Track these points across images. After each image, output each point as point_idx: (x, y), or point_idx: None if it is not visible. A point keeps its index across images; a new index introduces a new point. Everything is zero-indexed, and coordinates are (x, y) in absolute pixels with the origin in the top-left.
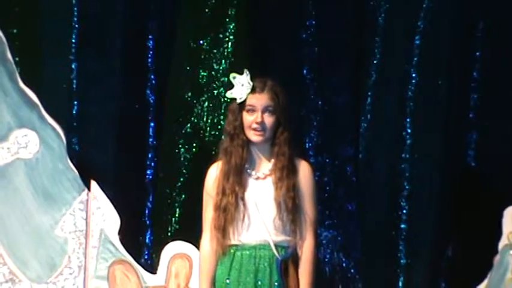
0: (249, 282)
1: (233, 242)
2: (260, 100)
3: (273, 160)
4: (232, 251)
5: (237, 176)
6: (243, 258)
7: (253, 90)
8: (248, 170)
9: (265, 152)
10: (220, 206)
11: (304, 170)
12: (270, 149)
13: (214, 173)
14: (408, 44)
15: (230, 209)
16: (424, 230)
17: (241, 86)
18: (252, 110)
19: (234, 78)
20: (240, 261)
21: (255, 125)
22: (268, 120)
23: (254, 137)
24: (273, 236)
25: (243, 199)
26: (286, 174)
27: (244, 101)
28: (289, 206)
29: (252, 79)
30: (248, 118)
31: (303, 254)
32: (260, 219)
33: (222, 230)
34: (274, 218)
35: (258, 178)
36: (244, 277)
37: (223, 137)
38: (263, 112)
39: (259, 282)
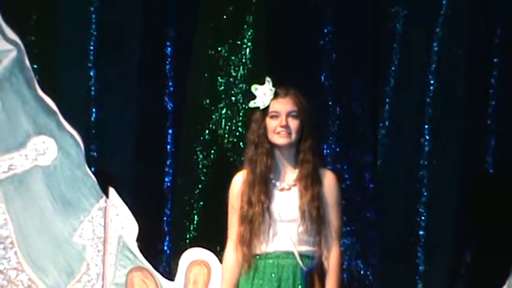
0: None
1: (257, 252)
2: (284, 105)
3: (297, 169)
4: (255, 260)
5: (263, 185)
6: (266, 267)
7: (276, 96)
8: (273, 181)
9: (289, 160)
10: (246, 218)
11: (329, 180)
12: (294, 157)
13: (239, 182)
14: (426, 50)
15: (257, 219)
16: (442, 236)
17: (263, 95)
18: (276, 116)
19: (256, 89)
20: (263, 270)
21: (279, 129)
22: (293, 123)
23: (280, 139)
24: (297, 246)
25: (268, 209)
26: (311, 183)
27: (268, 107)
28: (313, 215)
29: (274, 86)
30: (272, 123)
31: (330, 265)
32: (284, 229)
33: (248, 243)
34: (298, 227)
35: (282, 189)
36: (267, 286)
37: (243, 145)
38: (287, 116)
39: None
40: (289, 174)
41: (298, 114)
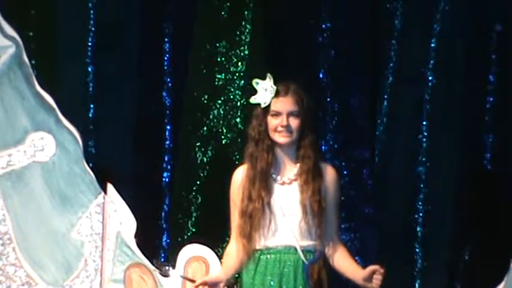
0: (273, 286)
1: (258, 247)
2: (285, 104)
3: (298, 164)
4: (257, 255)
5: (263, 182)
6: (267, 262)
7: (277, 94)
8: (273, 175)
9: (290, 156)
10: (246, 212)
11: (330, 175)
12: (295, 153)
13: (239, 177)
14: (424, 46)
15: (256, 215)
16: (440, 233)
17: (264, 90)
18: (277, 115)
19: (257, 83)
20: (265, 265)
21: (280, 128)
22: (294, 122)
23: (281, 138)
24: (299, 240)
25: (269, 204)
26: (312, 178)
27: (269, 105)
28: (315, 210)
29: (275, 83)
30: (273, 122)
31: (342, 255)
32: (286, 223)
33: (248, 236)
34: (299, 222)
35: (283, 183)
36: (268, 281)
37: (241, 141)
38: (288, 116)
39: (284, 287)
40: (290, 169)
41: (298, 113)
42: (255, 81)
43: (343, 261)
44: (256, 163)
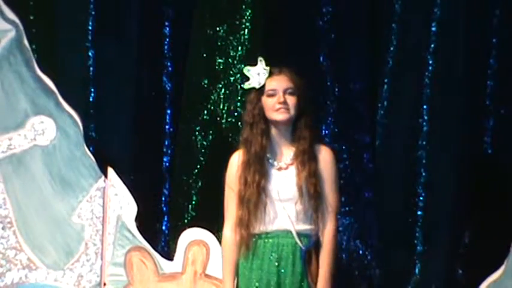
0: (272, 270)
1: (256, 231)
2: (280, 81)
3: (294, 146)
4: (254, 239)
5: (258, 165)
6: (265, 246)
7: (270, 74)
8: (270, 160)
9: (286, 139)
10: (243, 198)
11: (325, 156)
12: (291, 135)
13: (235, 162)
14: (425, 31)
15: (253, 200)
16: (440, 216)
17: (257, 75)
18: (273, 94)
19: (248, 70)
20: (263, 249)
21: (278, 106)
22: (290, 99)
23: (279, 115)
24: (295, 225)
25: (264, 189)
26: (308, 159)
27: (263, 87)
28: (311, 192)
29: (267, 65)
30: (270, 101)
31: (323, 242)
32: (282, 208)
33: (246, 222)
34: (296, 206)
35: (280, 168)
36: (266, 265)
37: (241, 125)
38: (284, 93)
39: (282, 270)
40: (287, 153)
41: (294, 90)
42: (246, 69)
43: (320, 259)
44: (251, 147)
